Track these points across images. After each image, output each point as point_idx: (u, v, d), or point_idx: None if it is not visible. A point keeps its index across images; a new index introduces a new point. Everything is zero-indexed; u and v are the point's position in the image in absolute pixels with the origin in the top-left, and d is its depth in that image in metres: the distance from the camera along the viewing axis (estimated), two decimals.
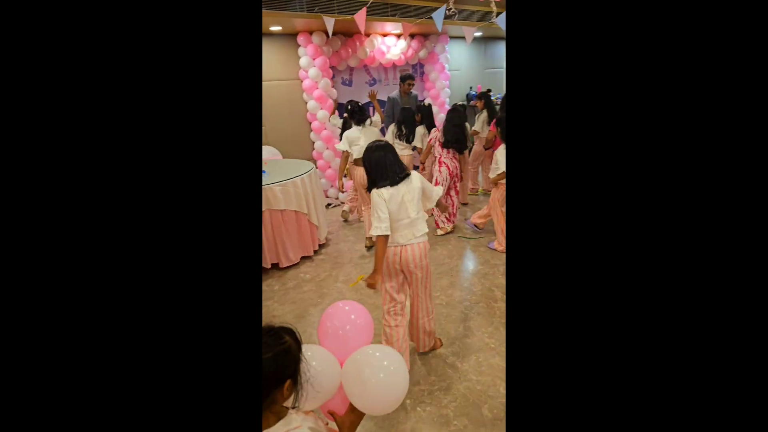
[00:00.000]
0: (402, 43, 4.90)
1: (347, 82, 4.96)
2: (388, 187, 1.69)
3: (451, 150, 3.48)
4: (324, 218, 3.50)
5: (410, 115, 3.67)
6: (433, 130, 3.73)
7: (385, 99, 4.30)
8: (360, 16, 3.02)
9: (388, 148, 1.75)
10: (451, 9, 3.47)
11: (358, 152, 3.01)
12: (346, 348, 1.13)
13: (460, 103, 5.31)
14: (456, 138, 3.41)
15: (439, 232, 3.62)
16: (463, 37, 5.73)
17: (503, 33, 6.15)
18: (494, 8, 3.94)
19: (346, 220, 4.17)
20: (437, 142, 3.54)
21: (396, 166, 1.72)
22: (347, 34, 4.49)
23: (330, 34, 3.47)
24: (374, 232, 1.65)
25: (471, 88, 6.27)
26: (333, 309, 1.22)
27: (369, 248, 3.39)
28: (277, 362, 0.78)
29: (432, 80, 5.57)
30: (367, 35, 4.63)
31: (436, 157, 3.59)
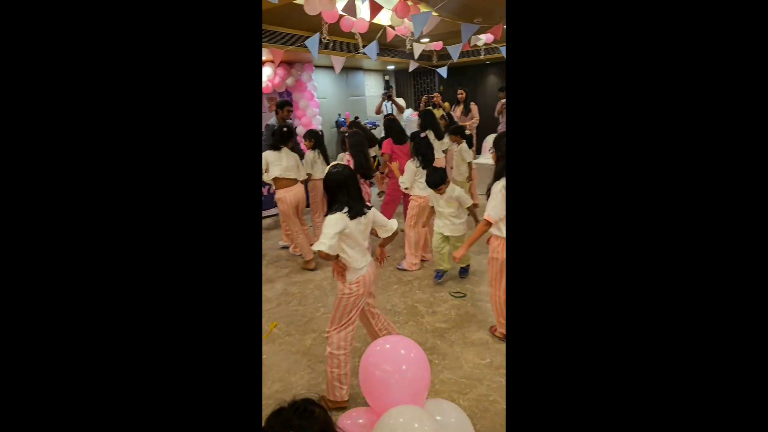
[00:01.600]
0: (268, 70, 4.72)
1: None
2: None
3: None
4: None
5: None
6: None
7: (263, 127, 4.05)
8: None
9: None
10: (325, 38, 3.51)
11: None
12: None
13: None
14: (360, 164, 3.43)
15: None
16: (327, 66, 5.88)
17: (361, 64, 6.57)
18: (360, 40, 4.17)
19: None
20: None
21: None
22: None
23: None
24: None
25: (339, 115, 6.45)
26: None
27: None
28: None
29: (302, 108, 5.51)
30: None
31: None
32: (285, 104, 3.83)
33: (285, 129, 3.31)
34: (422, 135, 3.24)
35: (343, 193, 1.66)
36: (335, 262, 1.70)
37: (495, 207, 1.96)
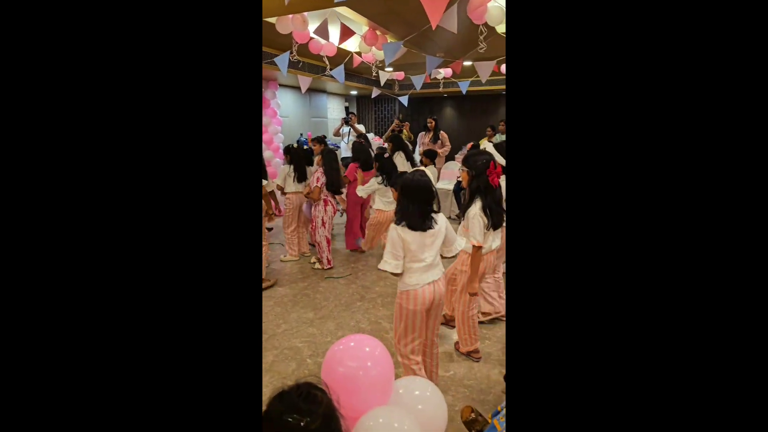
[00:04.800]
0: None
1: None
2: None
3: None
4: None
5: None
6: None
7: None
8: None
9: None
10: (294, 56, 3.57)
11: None
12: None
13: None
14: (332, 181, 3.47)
15: (317, 265, 3.63)
16: (291, 86, 5.92)
17: (325, 86, 6.69)
18: (327, 63, 4.29)
19: None
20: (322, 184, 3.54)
21: None
22: None
23: None
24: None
25: (302, 134, 6.46)
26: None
27: None
28: (328, 426, 0.71)
29: (264, 124, 5.47)
30: None
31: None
32: None
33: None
34: (386, 155, 3.38)
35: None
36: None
37: (476, 233, 1.92)
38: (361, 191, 3.32)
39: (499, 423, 1.31)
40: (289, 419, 0.66)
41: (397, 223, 1.60)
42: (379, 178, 3.22)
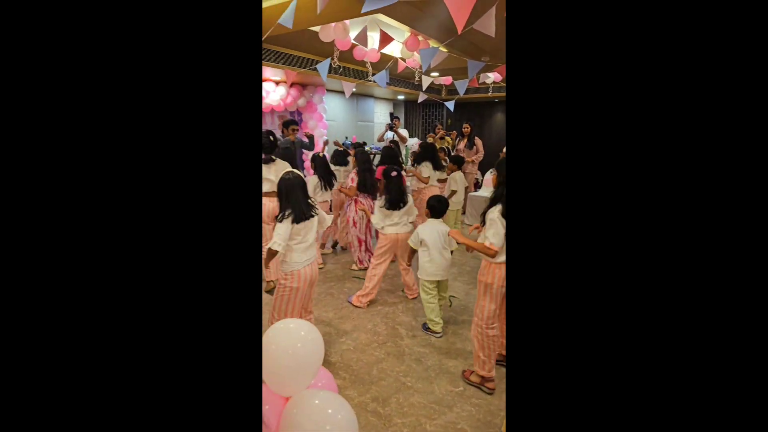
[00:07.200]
0: (281, 90, 4.92)
1: None
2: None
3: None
4: None
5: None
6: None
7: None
8: None
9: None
10: (336, 63, 3.69)
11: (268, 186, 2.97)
12: None
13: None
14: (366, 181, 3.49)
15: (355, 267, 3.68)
16: (338, 91, 6.11)
17: (372, 91, 6.81)
18: (369, 68, 4.37)
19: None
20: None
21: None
22: None
23: None
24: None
25: (347, 138, 6.62)
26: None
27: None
28: None
29: (311, 128, 5.69)
30: None
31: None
32: (290, 123, 3.97)
33: (272, 138, 3.03)
34: (393, 174, 2.83)
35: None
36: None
37: (496, 234, 1.81)
38: (375, 221, 2.90)
39: None
40: None
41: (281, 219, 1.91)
42: (382, 200, 2.84)
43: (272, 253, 1.91)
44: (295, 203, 1.92)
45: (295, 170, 2.03)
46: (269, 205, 2.99)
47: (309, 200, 2.01)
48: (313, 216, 2.00)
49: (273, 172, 2.93)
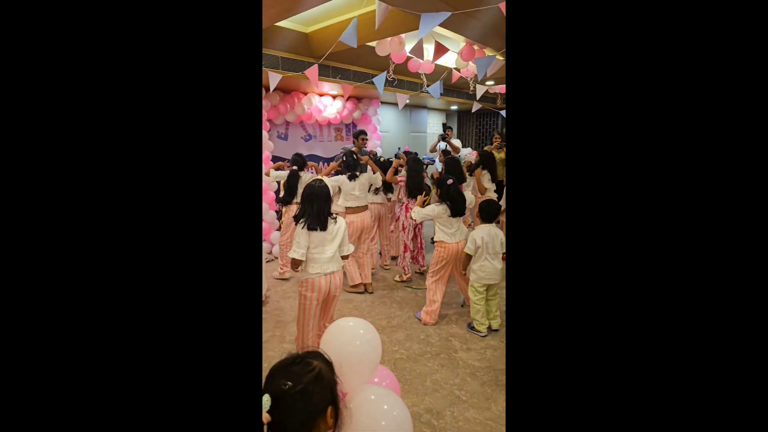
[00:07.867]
0: (338, 104, 5.12)
1: (283, 136, 4.93)
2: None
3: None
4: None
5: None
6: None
7: (339, 152, 4.39)
8: (312, 72, 3.10)
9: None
10: (391, 76, 3.77)
11: (353, 201, 3.28)
12: None
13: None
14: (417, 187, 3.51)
15: (396, 278, 3.69)
16: (392, 103, 6.22)
17: (426, 102, 6.85)
18: (424, 80, 4.42)
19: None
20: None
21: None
22: (286, 90, 4.56)
23: (272, 89, 3.48)
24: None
25: (399, 148, 6.69)
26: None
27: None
28: (311, 392, 0.73)
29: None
30: (305, 94, 4.75)
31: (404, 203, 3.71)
32: (360, 133, 4.11)
33: (354, 156, 3.33)
34: (449, 182, 2.73)
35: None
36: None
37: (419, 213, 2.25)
38: (416, 214, 2.78)
39: None
40: (281, 383, 0.71)
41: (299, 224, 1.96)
42: (442, 206, 2.72)
43: (295, 262, 1.97)
44: (311, 211, 1.95)
45: (324, 179, 2.13)
46: (356, 222, 3.29)
47: (331, 215, 2.01)
48: (327, 228, 1.97)
49: (358, 187, 3.31)
